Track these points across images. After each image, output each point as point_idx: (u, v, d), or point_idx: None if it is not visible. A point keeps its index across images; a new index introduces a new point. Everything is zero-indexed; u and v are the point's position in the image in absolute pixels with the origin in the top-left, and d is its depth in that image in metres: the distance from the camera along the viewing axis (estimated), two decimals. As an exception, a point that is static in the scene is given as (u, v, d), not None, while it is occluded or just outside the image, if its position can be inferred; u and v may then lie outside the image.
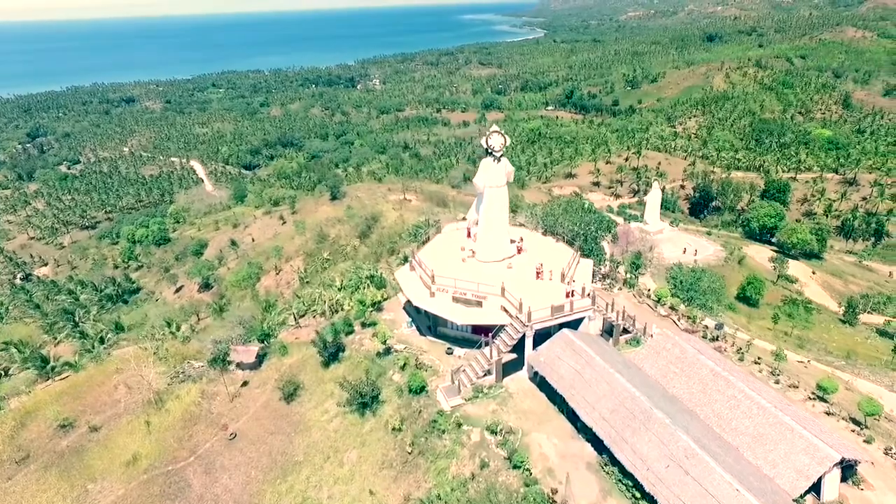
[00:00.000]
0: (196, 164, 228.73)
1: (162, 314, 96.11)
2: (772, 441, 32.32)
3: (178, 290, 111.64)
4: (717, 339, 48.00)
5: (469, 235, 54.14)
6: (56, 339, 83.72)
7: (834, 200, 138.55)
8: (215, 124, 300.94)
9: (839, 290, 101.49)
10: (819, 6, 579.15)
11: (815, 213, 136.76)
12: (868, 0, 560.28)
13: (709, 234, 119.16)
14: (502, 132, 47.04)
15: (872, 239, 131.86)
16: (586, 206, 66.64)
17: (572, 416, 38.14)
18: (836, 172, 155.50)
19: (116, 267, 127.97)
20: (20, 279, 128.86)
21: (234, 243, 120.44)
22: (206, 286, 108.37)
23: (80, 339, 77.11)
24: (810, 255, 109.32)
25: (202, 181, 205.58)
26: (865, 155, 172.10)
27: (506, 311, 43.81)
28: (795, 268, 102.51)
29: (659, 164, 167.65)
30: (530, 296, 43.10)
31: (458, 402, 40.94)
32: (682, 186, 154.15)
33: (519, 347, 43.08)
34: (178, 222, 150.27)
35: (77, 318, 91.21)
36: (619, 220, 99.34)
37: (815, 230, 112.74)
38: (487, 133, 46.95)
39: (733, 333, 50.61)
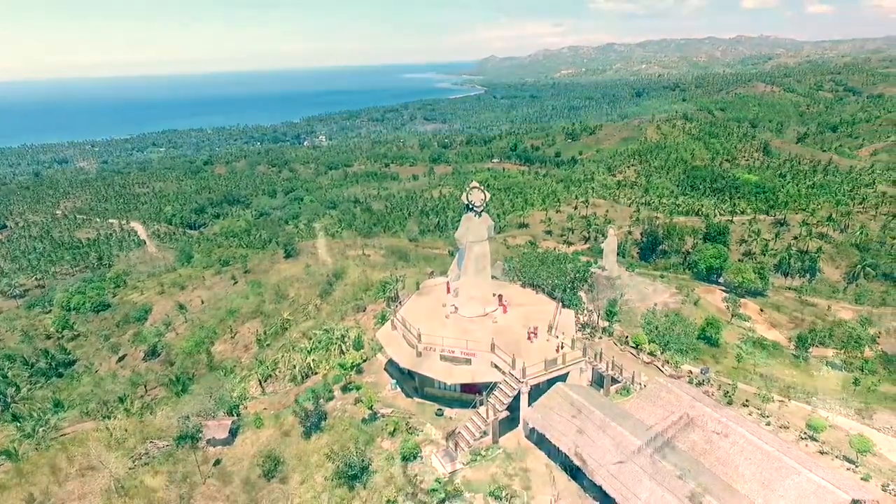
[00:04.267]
0: (137, 226, 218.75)
1: (107, 388, 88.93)
2: (781, 486, 32.28)
3: (120, 360, 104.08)
4: (702, 384, 48.57)
5: (449, 291, 53.31)
6: (-18, 424, 75.13)
7: (769, 240, 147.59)
8: (157, 184, 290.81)
9: (786, 325, 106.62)
10: (730, 64, 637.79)
11: (754, 253, 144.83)
12: (772, 59, 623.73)
13: (661, 277, 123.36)
14: (482, 188, 47.33)
15: (808, 275, 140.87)
16: (561, 255, 67.33)
17: (576, 474, 37.02)
18: (768, 214, 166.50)
19: (49, 337, 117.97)
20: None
21: (181, 307, 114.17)
22: (152, 353, 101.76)
23: (14, 421, 69.62)
24: (755, 294, 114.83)
25: (144, 242, 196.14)
26: (790, 198, 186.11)
27: (497, 367, 42.84)
28: (745, 306, 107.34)
29: (606, 211, 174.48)
30: (518, 350, 42.45)
31: (457, 466, 39.00)
32: (630, 232, 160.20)
33: (512, 404, 41.89)
34: (118, 286, 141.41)
35: (8, 398, 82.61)
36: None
37: (757, 269, 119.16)
38: (468, 189, 47.12)
39: (714, 377, 51.41)
